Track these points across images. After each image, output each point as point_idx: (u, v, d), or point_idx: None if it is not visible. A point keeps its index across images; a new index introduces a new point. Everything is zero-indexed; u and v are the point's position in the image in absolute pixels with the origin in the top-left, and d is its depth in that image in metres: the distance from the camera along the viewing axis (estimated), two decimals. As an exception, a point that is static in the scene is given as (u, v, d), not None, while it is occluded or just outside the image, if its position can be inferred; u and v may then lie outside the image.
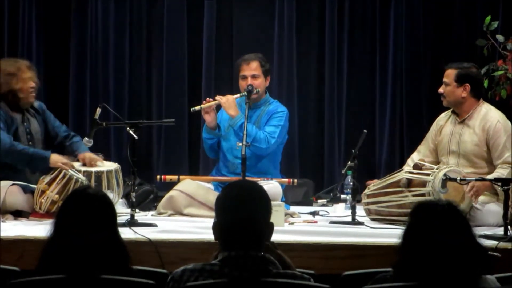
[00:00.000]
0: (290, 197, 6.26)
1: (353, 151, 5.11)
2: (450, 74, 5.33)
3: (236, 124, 5.53)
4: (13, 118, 5.34)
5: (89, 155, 5.34)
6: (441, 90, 5.36)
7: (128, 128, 5.07)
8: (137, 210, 5.07)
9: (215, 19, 7.19)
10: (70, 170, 5.11)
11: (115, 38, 7.19)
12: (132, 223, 4.79)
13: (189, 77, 7.24)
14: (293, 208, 5.75)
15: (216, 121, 5.74)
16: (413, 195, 5.00)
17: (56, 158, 5.19)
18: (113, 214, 2.96)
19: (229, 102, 5.61)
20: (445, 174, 4.89)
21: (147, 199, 5.87)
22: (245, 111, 5.43)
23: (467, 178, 4.88)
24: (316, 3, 7.24)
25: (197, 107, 5.63)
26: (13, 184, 5.16)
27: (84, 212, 2.87)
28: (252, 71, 5.70)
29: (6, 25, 7.12)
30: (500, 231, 4.63)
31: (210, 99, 5.69)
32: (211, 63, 7.18)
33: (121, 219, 4.73)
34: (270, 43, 7.17)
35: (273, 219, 2.83)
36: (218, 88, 6.95)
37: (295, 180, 5.63)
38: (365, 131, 5.20)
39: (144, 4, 7.26)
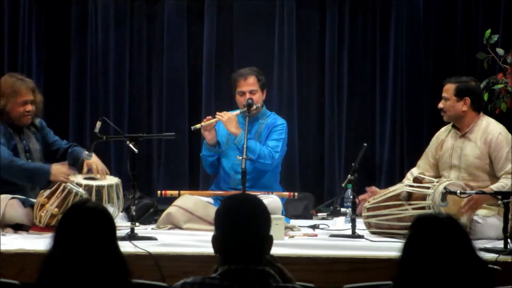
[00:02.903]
0: (290, 211, 6.25)
1: (353, 164, 5.11)
2: (449, 88, 5.34)
3: (240, 143, 5.51)
4: (12, 134, 5.34)
5: (97, 163, 5.34)
6: (441, 105, 5.36)
7: (128, 141, 5.07)
8: (137, 224, 5.07)
9: (215, 35, 7.21)
10: (69, 184, 5.11)
11: (115, 53, 7.21)
12: (132, 236, 4.79)
13: (189, 92, 7.25)
14: (293, 222, 5.75)
15: (216, 138, 5.74)
16: (413, 208, 4.99)
17: (57, 171, 5.18)
18: (112, 227, 2.95)
19: (230, 120, 5.60)
20: (445, 188, 4.89)
21: (147, 212, 5.88)
22: (245, 126, 5.43)
23: (467, 191, 4.87)
24: (316, 17, 7.27)
25: (198, 125, 5.64)
26: (12, 198, 5.16)
27: (83, 225, 2.87)
28: (250, 87, 5.70)
29: (6, 40, 7.14)
30: (500, 244, 4.63)
31: (210, 117, 5.69)
32: (211, 78, 7.19)
33: (121, 232, 4.74)
34: (270, 57, 7.19)
35: (273, 232, 2.82)
36: (218, 103, 6.96)
37: (295, 194, 5.63)
38: (365, 144, 5.21)
39: (144, 20, 7.28)
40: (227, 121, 5.60)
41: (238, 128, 5.59)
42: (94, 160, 5.34)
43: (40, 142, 5.51)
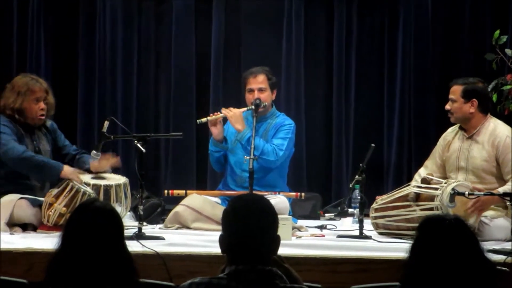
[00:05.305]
0: (298, 211, 6.26)
1: (360, 165, 5.10)
2: (456, 90, 5.31)
3: (244, 138, 5.53)
4: (23, 135, 5.37)
5: (97, 162, 5.37)
6: (448, 107, 5.33)
7: (136, 141, 5.08)
8: (144, 223, 5.08)
9: (223, 35, 7.22)
10: (77, 183, 5.13)
11: (123, 52, 7.23)
12: (139, 236, 4.80)
13: (196, 92, 7.26)
14: (301, 222, 5.75)
15: (223, 133, 5.75)
16: (421, 209, 4.98)
17: (68, 169, 5.23)
18: (120, 227, 2.95)
19: (235, 116, 5.61)
20: (453, 189, 4.87)
21: (154, 212, 5.89)
22: (253, 125, 5.43)
23: (475, 193, 4.86)
24: (324, 19, 7.27)
25: (204, 119, 5.64)
26: (21, 198, 5.19)
27: (91, 225, 2.87)
28: (259, 85, 5.71)
29: (15, 41, 7.16)
30: (508, 245, 4.61)
31: (218, 113, 5.70)
32: (218, 78, 7.20)
33: (128, 232, 4.74)
34: (278, 57, 7.19)
35: (280, 232, 2.82)
36: (226, 102, 6.95)
37: (303, 194, 5.62)
38: (372, 145, 5.19)
39: (152, 20, 7.29)
40: (232, 117, 5.61)
41: (243, 125, 5.60)
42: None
43: (51, 144, 5.54)
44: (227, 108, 5.70)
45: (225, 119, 5.73)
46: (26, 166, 5.25)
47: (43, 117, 5.45)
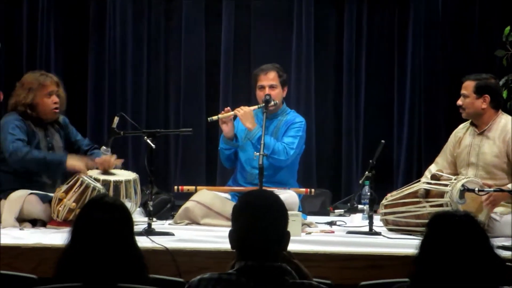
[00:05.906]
0: (307, 207, 6.25)
1: (370, 161, 5.10)
2: (468, 86, 5.30)
3: (254, 137, 5.51)
4: (35, 132, 5.38)
5: (103, 158, 5.36)
6: (459, 102, 5.32)
7: (145, 137, 5.08)
8: (154, 219, 5.09)
9: (233, 33, 7.21)
10: (87, 179, 5.13)
11: (133, 48, 7.23)
12: (149, 232, 4.81)
13: (206, 87, 7.26)
14: (310, 218, 5.75)
15: (234, 131, 5.74)
16: (431, 206, 4.97)
17: (72, 162, 5.22)
18: (130, 222, 2.96)
19: (246, 114, 5.59)
20: (463, 185, 4.87)
21: (164, 208, 5.89)
22: (263, 122, 5.42)
23: (485, 189, 4.85)
24: (334, 17, 7.26)
25: (214, 117, 5.63)
26: (31, 194, 5.19)
27: (101, 220, 2.88)
28: (270, 81, 5.69)
29: (25, 37, 7.17)
30: (518, 242, 4.61)
31: (228, 109, 5.69)
32: (228, 73, 7.20)
33: (138, 227, 4.75)
34: (288, 54, 7.18)
35: (290, 228, 2.82)
36: (236, 98, 6.97)
37: (313, 190, 5.62)
38: (382, 141, 5.19)
39: (162, 17, 7.30)
40: (243, 115, 5.60)
41: (253, 123, 5.59)
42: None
43: (63, 140, 5.55)
44: (238, 106, 5.69)
45: (235, 116, 5.72)
46: (29, 165, 5.25)
47: (57, 110, 5.46)
